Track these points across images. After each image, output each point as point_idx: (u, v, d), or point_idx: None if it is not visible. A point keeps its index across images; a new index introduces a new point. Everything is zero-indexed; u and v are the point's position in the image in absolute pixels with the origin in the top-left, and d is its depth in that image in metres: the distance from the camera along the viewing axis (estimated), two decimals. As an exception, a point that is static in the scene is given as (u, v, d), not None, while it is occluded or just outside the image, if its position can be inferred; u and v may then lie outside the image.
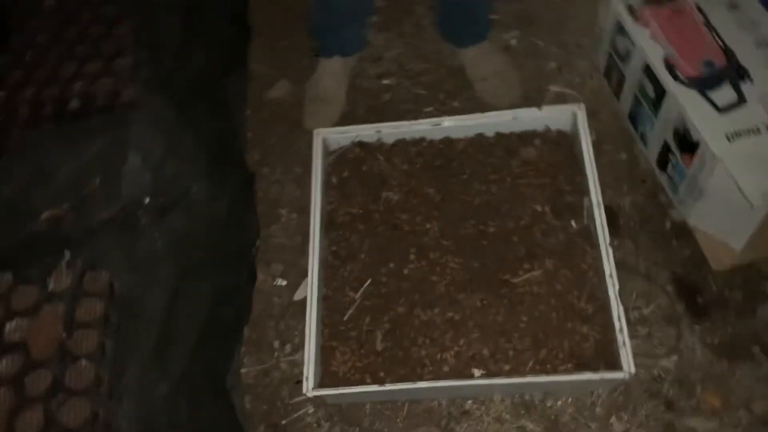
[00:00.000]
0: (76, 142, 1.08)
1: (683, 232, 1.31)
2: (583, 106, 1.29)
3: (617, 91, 1.44)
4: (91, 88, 1.12)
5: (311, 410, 1.25)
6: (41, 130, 1.08)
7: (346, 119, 1.56)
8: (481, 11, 1.53)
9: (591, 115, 1.44)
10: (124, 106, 1.11)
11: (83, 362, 0.79)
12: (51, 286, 0.85)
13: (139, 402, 0.83)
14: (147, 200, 1.06)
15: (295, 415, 1.24)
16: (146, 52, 1.16)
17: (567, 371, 1.12)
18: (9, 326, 0.83)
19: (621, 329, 1.09)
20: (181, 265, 1.03)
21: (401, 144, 1.41)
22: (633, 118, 1.40)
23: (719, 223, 1.23)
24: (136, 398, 0.83)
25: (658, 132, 1.29)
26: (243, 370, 1.30)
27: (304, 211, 1.35)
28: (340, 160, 1.41)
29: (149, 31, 1.23)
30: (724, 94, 1.17)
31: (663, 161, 1.31)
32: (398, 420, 1.21)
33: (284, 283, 1.39)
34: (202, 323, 1.08)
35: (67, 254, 0.88)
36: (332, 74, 1.57)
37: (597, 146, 1.41)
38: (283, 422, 1.24)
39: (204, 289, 1.12)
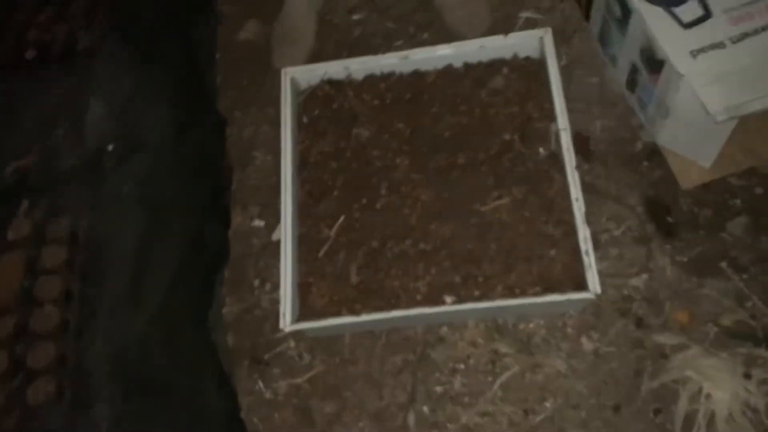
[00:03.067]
0: (36, 92, 1.08)
1: (653, 153, 1.31)
2: (549, 30, 1.27)
3: (586, 14, 1.42)
4: (48, 35, 1.10)
5: (293, 344, 1.28)
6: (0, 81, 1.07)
7: (316, 57, 1.54)
8: None
9: (562, 40, 1.43)
10: (83, 52, 1.10)
11: (47, 307, 0.81)
12: (10, 234, 0.87)
13: (110, 341, 0.86)
14: (111, 147, 1.06)
15: (278, 350, 1.28)
16: (100, -4, 1.14)
17: (536, 294, 1.14)
18: (-31, 276, 0.85)
19: (587, 252, 1.11)
20: (150, 207, 1.05)
21: (371, 79, 1.40)
22: (603, 40, 1.38)
23: (687, 142, 1.23)
24: (107, 338, 0.86)
25: (627, 53, 1.28)
26: (225, 309, 1.33)
27: (278, 152, 1.35)
28: (310, 99, 1.40)
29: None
30: (690, 8, 1.14)
31: (632, 83, 1.30)
32: (376, 349, 1.25)
33: (262, 223, 1.41)
34: (176, 264, 1.10)
35: (26, 203, 0.89)
36: (299, 12, 1.55)
37: (568, 71, 1.40)
38: (266, 357, 1.28)
39: (177, 230, 1.13)
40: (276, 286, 1.33)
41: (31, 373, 0.78)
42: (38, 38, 1.08)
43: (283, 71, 1.37)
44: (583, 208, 1.13)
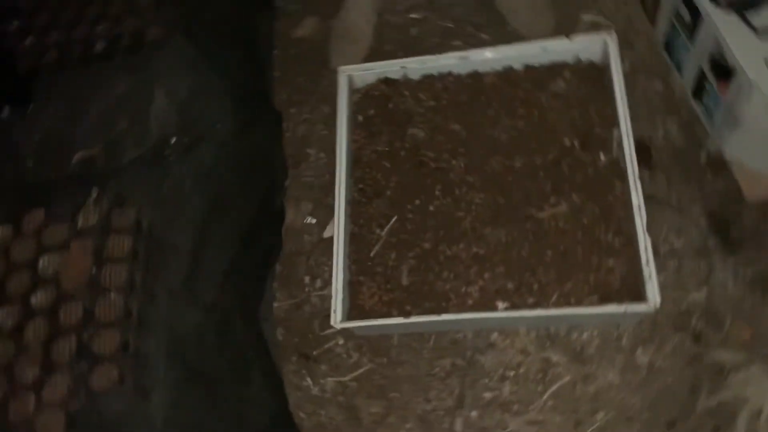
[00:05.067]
0: (103, 84, 1.10)
1: (718, 164, 1.27)
2: (614, 34, 1.24)
3: (652, 18, 1.38)
4: (116, 28, 1.13)
5: (341, 342, 1.29)
6: (69, 73, 1.10)
7: (373, 56, 1.54)
8: None
9: (625, 44, 1.40)
10: (150, 45, 1.12)
11: (112, 295, 0.83)
12: (80, 222, 0.89)
13: (168, 330, 0.88)
14: (174, 139, 1.08)
15: (326, 347, 1.29)
16: (168, -9, 1.16)
17: (592, 304, 1.12)
18: (42, 261, 0.87)
19: (648, 261, 1.08)
20: (209, 200, 1.06)
21: (427, 79, 1.39)
22: (668, 46, 1.34)
23: (756, 153, 1.19)
24: (165, 327, 0.87)
25: (694, 59, 1.24)
26: (275, 304, 1.34)
27: (332, 150, 1.36)
28: (365, 98, 1.41)
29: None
30: (763, 14, 1.11)
31: (699, 90, 1.26)
32: (424, 351, 1.24)
33: (314, 221, 1.42)
34: (231, 257, 1.12)
35: (95, 192, 0.92)
36: (359, 11, 1.55)
37: (631, 76, 1.37)
38: (314, 353, 1.29)
39: (232, 223, 1.15)
40: (326, 284, 1.34)
41: (95, 359, 0.79)
42: (108, 31, 1.11)
43: (339, 69, 1.38)
44: (645, 217, 1.10)
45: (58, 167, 1.08)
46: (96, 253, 0.86)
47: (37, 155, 1.09)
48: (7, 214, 0.93)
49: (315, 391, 1.25)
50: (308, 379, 1.26)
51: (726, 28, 1.12)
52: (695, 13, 1.18)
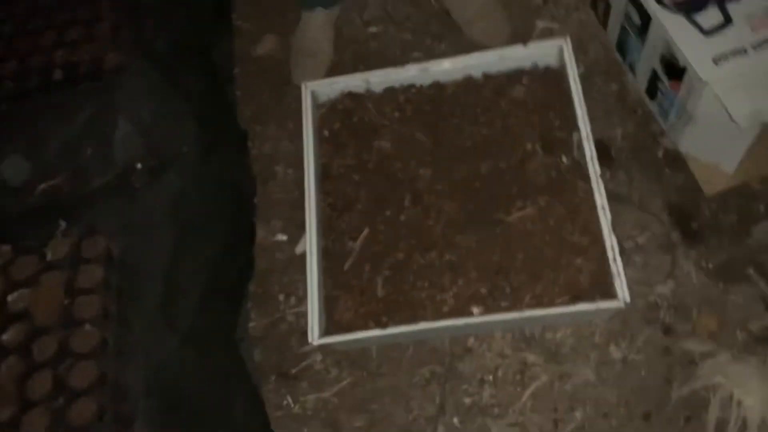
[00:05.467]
0: (64, 112, 1.09)
1: (675, 159, 1.31)
2: (568, 39, 1.28)
3: (604, 22, 1.42)
4: (74, 56, 1.11)
5: (319, 358, 1.29)
6: (28, 102, 1.08)
7: (334, 70, 1.55)
8: None
9: (579, 48, 1.44)
10: (109, 71, 1.11)
11: (87, 326, 0.82)
12: (49, 255, 0.88)
13: (147, 359, 0.87)
14: (139, 165, 1.07)
15: (305, 364, 1.28)
16: (125, 16, 1.15)
17: (563, 303, 1.14)
18: (11, 297, 0.86)
19: (615, 259, 1.11)
20: (179, 225, 1.05)
21: (390, 92, 1.41)
22: (621, 48, 1.39)
23: (710, 147, 1.23)
24: (144, 356, 0.86)
25: (646, 60, 1.28)
26: (251, 324, 1.33)
27: (299, 165, 1.36)
28: (330, 112, 1.41)
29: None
30: (710, 15, 1.15)
31: (652, 89, 1.30)
32: (403, 361, 1.25)
33: (285, 237, 1.42)
34: (205, 280, 1.11)
35: (63, 223, 0.90)
36: (316, 26, 1.56)
37: (587, 79, 1.41)
38: (293, 371, 1.28)
39: (205, 247, 1.14)
40: (301, 300, 1.34)
41: (73, 393, 0.78)
42: (66, 58, 1.10)
43: (303, 85, 1.38)
44: (609, 217, 1.13)
45: (21, 198, 1.06)
46: (67, 285, 0.85)
47: (-2, 187, 1.07)
48: (-28, 252, 0.91)
49: (296, 409, 1.25)
50: (288, 398, 1.26)
51: (674, 30, 1.16)
52: (644, 15, 1.22)
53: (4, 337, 0.82)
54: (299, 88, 1.39)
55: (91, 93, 1.08)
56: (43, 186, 1.06)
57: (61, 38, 1.12)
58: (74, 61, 1.11)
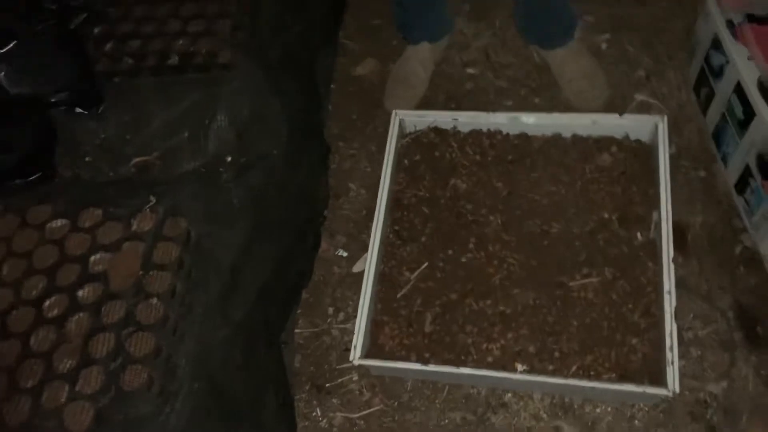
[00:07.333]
0: (171, 96, 1.15)
1: (753, 259, 1.28)
2: (665, 117, 1.27)
3: (704, 108, 1.41)
4: (192, 46, 1.18)
5: (355, 378, 1.30)
6: (141, 81, 1.15)
7: (426, 104, 1.58)
8: (561, 11, 1.49)
9: (674, 128, 1.42)
10: (220, 67, 1.17)
11: (154, 300, 0.86)
12: (135, 226, 0.93)
13: (199, 342, 0.90)
14: (229, 158, 1.12)
15: (340, 380, 1.30)
16: (247, 18, 1.21)
17: (610, 380, 1.12)
18: (94, 257, 0.91)
19: (671, 347, 1.09)
20: (255, 221, 1.09)
21: (476, 134, 1.43)
22: (717, 136, 1.37)
23: (792, 256, 1.20)
24: (196, 339, 0.90)
25: (741, 154, 1.26)
26: (297, 330, 1.36)
27: (373, 188, 1.40)
28: (413, 143, 1.45)
29: (252, -2, 1.29)
30: (818, 123, 1.13)
31: (742, 185, 1.28)
32: (437, 401, 1.25)
33: (345, 254, 1.45)
34: (265, 279, 1.14)
35: (153, 199, 0.95)
36: (418, 59, 1.60)
37: (675, 161, 1.39)
38: (327, 385, 1.30)
39: (271, 247, 1.18)
40: (349, 317, 1.36)
41: (129, 359, 0.82)
42: (184, 47, 1.16)
43: (393, 112, 1.42)
44: (674, 303, 1.11)
45: (114, 168, 1.12)
46: (145, 257, 0.90)
47: (97, 153, 1.14)
48: (66, 209, 0.97)
49: (323, 423, 1.26)
50: (318, 410, 1.27)
51: (778, 130, 1.14)
52: (749, 110, 1.21)
53: (80, 293, 0.87)
54: (389, 114, 1.43)
55: (198, 83, 1.14)
56: (138, 160, 1.12)
57: (185, 28, 1.19)
58: (191, 51, 1.17)
